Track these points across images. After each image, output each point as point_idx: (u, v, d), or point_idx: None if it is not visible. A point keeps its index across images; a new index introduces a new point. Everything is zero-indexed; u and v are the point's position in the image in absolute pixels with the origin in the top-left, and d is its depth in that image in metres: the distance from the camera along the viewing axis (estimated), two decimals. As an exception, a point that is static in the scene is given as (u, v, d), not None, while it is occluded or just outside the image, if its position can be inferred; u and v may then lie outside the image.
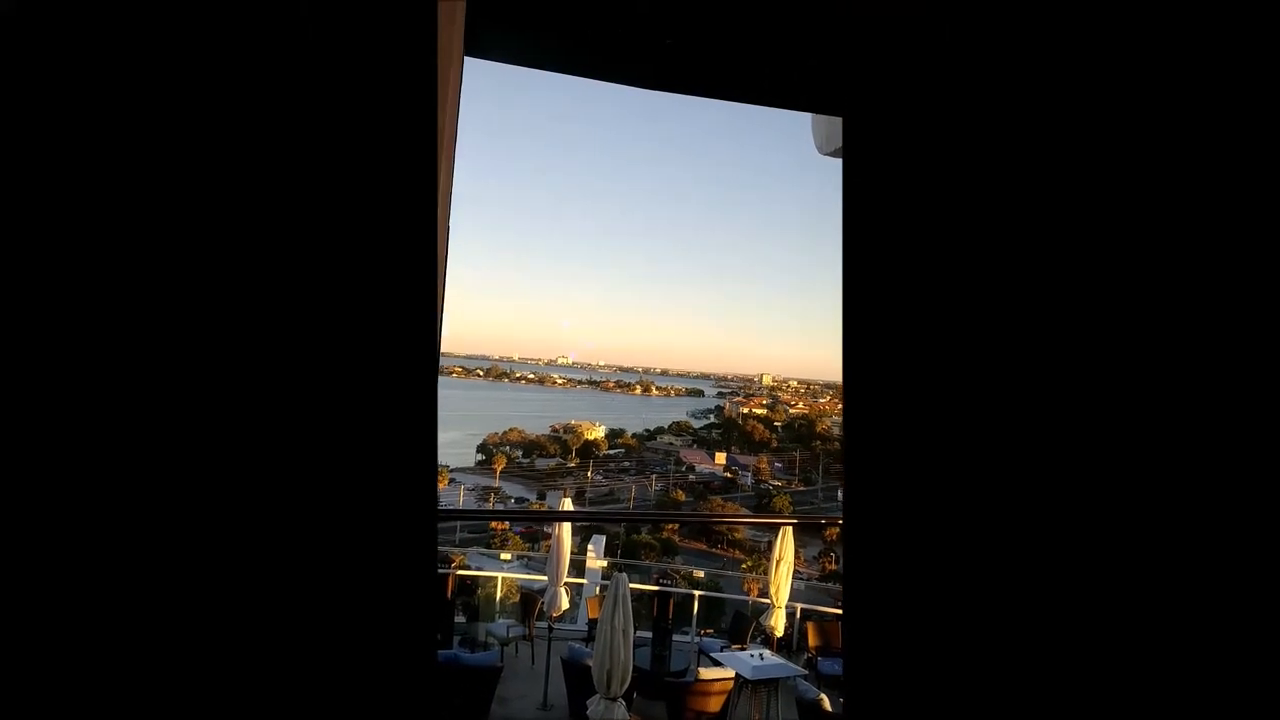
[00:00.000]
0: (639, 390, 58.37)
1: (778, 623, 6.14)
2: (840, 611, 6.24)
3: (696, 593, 7.68)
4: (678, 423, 47.01)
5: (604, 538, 8.67)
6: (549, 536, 7.99)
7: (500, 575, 8.47)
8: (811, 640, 6.46)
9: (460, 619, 7.01)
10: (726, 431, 45.44)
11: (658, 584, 7.29)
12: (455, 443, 40.00)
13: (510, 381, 57.89)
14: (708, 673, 5.08)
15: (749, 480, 40.00)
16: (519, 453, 42.14)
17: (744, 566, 23.38)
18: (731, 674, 5.09)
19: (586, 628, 7.00)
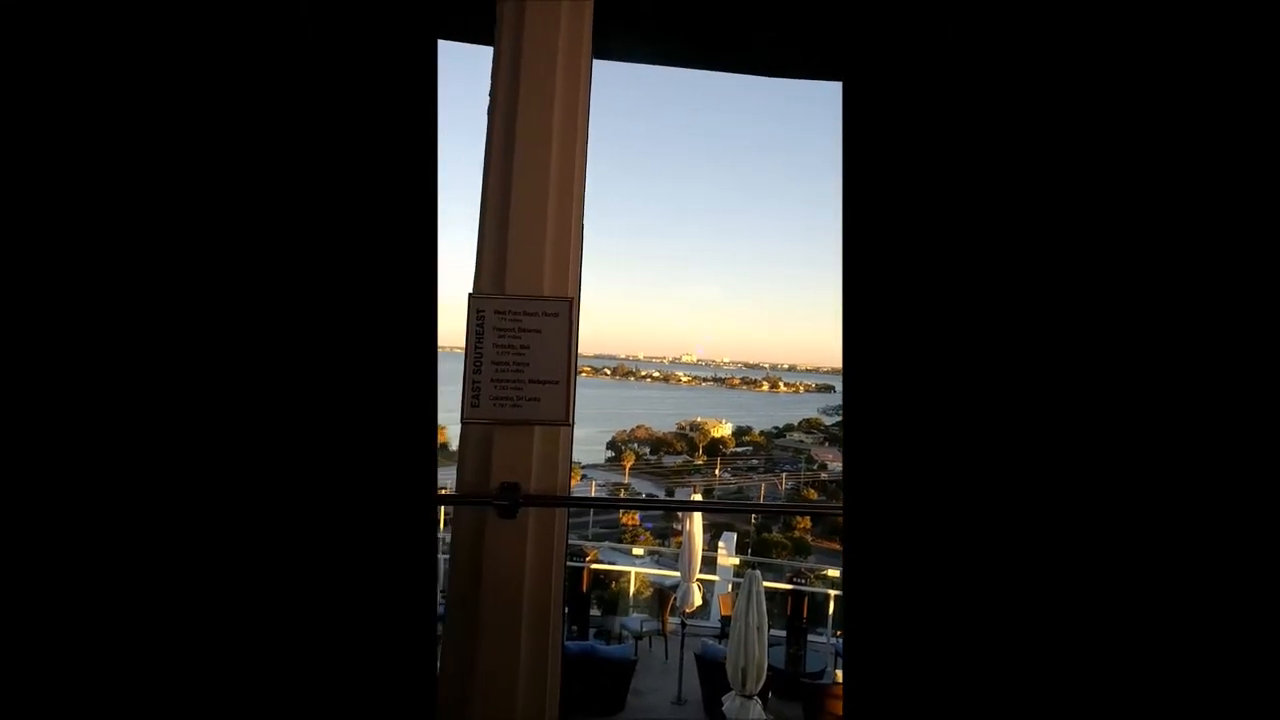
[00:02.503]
0: (766, 387, 57.55)
1: (921, 628, 5.84)
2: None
3: (832, 593, 7.46)
4: (808, 420, 45.87)
5: (735, 535, 8.61)
6: (679, 533, 8.03)
7: (633, 570, 8.61)
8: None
9: (595, 612, 7.19)
10: (859, 428, 43.72)
11: (791, 583, 7.14)
12: (585, 440, 41.17)
13: (636, 380, 58.86)
14: (847, 676, 4.91)
15: (884, 479, 38.30)
16: (646, 450, 42.74)
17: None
18: (872, 679, 4.89)
19: (719, 625, 6.98)
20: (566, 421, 2.03)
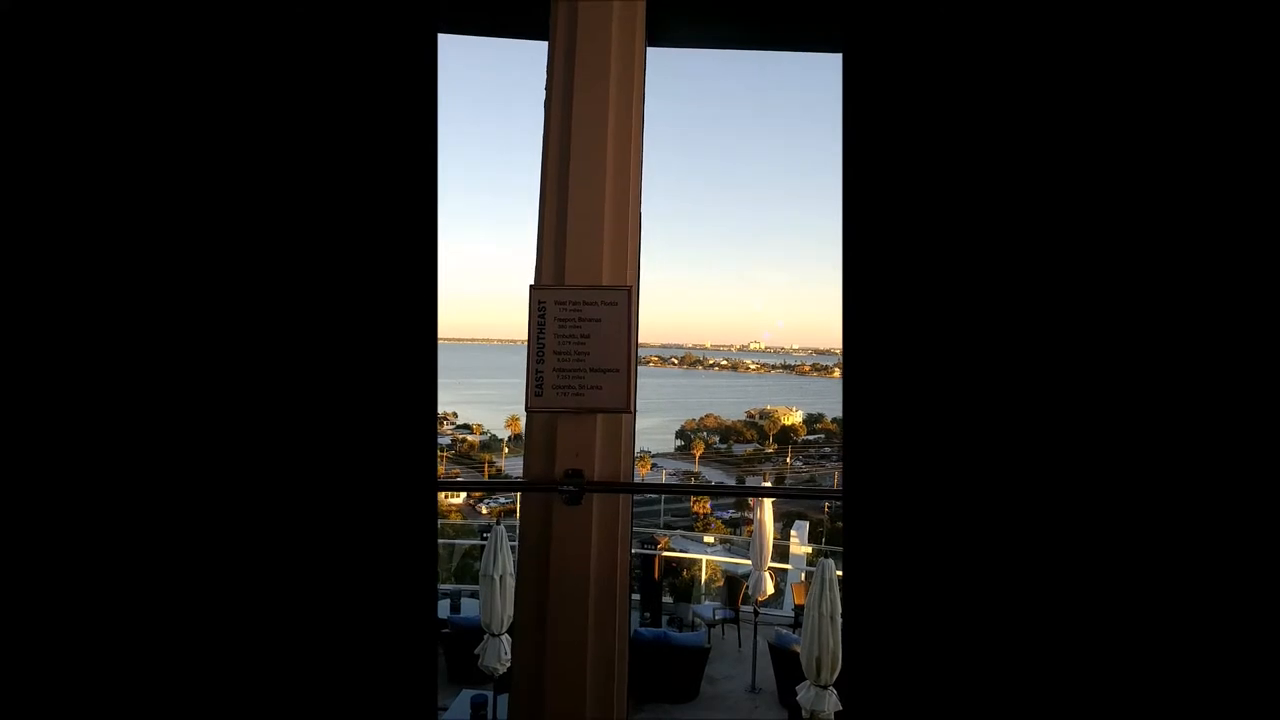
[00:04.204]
0: (838, 373, 56.40)
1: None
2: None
3: (909, 583, 7.26)
4: (881, 405, 44.67)
5: (807, 524, 8.48)
6: (750, 522, 7.98)
7: (704, 558, 8.62)
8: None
9: (668, 599, 7.23)
10: (936, 414, 42.48)
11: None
12: (654, 429, 41.33)
13: (704, 369, 58.68)
14: (926, 667, 4.79)
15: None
16: (715, 438, 42.61)
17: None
18: (953, 670, 4.75)
19: (793, 613, 6.91)
20: (628, 408, 2.05)
